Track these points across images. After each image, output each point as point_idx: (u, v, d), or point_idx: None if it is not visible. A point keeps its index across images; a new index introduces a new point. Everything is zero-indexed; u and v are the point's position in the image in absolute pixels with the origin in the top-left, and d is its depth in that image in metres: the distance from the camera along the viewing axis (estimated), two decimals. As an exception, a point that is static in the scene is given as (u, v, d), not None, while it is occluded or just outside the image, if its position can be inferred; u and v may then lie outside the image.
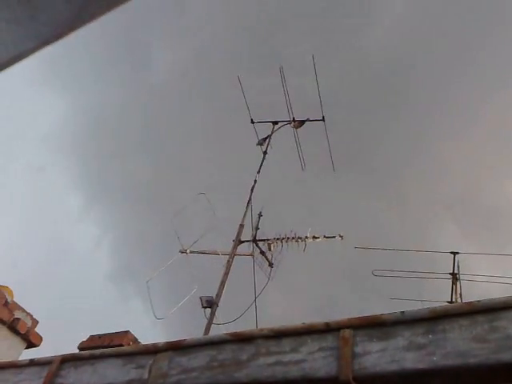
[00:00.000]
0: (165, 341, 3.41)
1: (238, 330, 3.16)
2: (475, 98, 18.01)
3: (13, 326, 8.35)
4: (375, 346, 2.33)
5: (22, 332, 8.47)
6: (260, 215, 9.44)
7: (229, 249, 8.94)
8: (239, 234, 9.15)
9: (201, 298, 7.93)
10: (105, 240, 25.49)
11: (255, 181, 9.70)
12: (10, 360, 5.53)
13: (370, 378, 2.27)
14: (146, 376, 3.24)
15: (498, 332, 2.04)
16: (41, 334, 8.79)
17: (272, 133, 10.34)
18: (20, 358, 7.78)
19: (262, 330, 2.98)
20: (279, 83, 9.92)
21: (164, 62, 21.90)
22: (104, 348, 4.89)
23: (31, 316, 8.71)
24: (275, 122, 10.44)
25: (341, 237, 9.13)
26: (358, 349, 2.38)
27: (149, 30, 20.80)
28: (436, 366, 2.10)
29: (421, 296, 8.55)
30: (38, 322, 8.77)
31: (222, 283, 8.27)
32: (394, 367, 2.21)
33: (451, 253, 9.60)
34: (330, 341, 2.53)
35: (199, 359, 3.04)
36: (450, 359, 2.08)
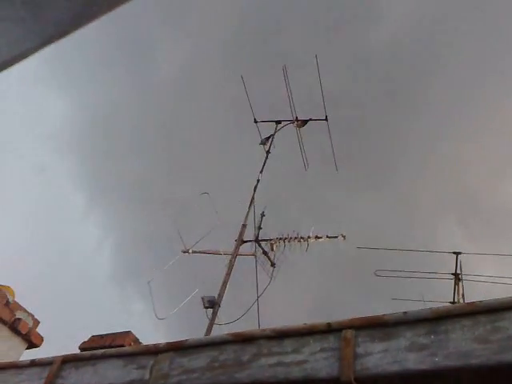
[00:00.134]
0: (166, 341, 3.42)
1: (239, 331, 3.17)
2: (484, 99, 17.98)
3: (14, 327, 8.36)
4: (377, 346, 2.34)
5: (23, 332, 8.48)
6: (263, 215, 9.44)
7: (231, 249, 8.95)
8: (241, 233, 9.15)
9: (203, 299, 7.93)
10: (107, 240, 25.50)
11: (258, 180, 9.71)
12: (11, 360, 5.55)
13: (372, 378, 2.27)
14: (147, 376, 3.25)
15: (501, 332, 2.04)
16: (42, 335, 8.81)
17: (275, 132, 10.34)
18: (21, 359, 7.80)
19: (263, 330, 2.98)
20: (282, 82, 9.93)
21: (166, 61, 21.91)
22: (105, 348, 4.90)
23: (32, 316, 8.72)
24: (278, 122, 10.43)
25: (343, 237, 9.12)
26: (360, 349, 2.38)
27: (151, 29, 20.83)
28: (438, 366, 2.11)
29: (423, 296, 8.55)
30: (39, 322, 8.78)
31: (224, 283, 8.27)
32: (395, 368, 2.21)
33: (454, 253, 9.60)
34: (331, 341, 2.53)
35: (200, 360, 3.05)
36: (452, 360, 2.09)
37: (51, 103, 23.46)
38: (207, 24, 19.95)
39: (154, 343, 3.51)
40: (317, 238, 9.13)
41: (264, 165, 10.00)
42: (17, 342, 8.49)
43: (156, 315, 8.09)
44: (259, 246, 9.21)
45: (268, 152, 10.20)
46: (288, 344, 2.72)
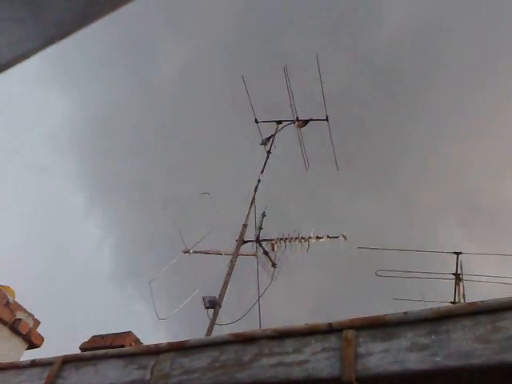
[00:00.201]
0: (167, 341, 3.43)
1: (240, 331, 3.18)
2: (485, 100, 18.00)
3: (14, 327, 8.37)
4: (378, 346, 2.35)
5: (24, 333, 8.49)
6: (263, 215, 9.46)
7: (232, 249, 8.96)
8: (242, 233, 9.16)
9: (203, 299, 7.95)
10: (107, 240, 25.52)
11: (259, 180, 9.73)
12: (11, 361, 5.55)
13: (373, 378, 2.28)
14: (147, 377, 3.26)
15: (501, 332, 2.05)
16: (42, 335, 8.82)
17: (276, 132, 10.37)
18: (21, 359, 7.81)
19: (264, 330, 2.99)
20: (283, 83, 9.94)
21: (167, 61, 21.94)
22: (106, 348, 4.90)
23: (33, 316, 8.73)
24: (279, 122, 10.47)
25: (344, 237, 9.14)
26: (361, 349, 2.39)
27: (151, 29, 20.85)
28: (439, 366, 2.12)
29: (424, 296, 8.58)
30: (39, 322, 8.79)
31: (225, 283, 8.29)
32: (396, 368, 2.22)
33: (454, 253, 9.66)
34: (332, 341, 2.54)
35: (201, 360, 3.06)
36: (453, 360, 2.10)
37: (52, 103, 23.50)
38: (208, 24, 19.97)
39: (155, 343, 3.52)
40: (318, 238, 9.15)
41: (265, 165, 10.03)
42: (17, 343, 8.50)
43: (157, 315, 8.11)
44: (260, 246, 9.23)
45: (269, 152, 10.23)
46: (289, 344, 2.73)
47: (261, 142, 10.39)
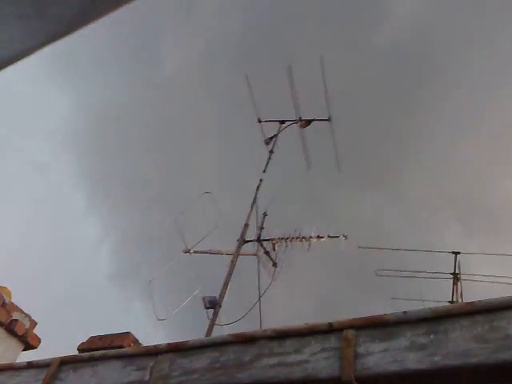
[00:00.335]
0: (166, 342, 3.45)
1: (241, 331, 3.21)
2: (483, 98, 18.07)
3: (10, 328, 8.40)
4: (377, 346, 2.39)
5: (20, 334, 8.52)
6: (265, 215, 9.49)
7: (233, 249, 8.99)
8: (243, 233, 9.19)
9: (203, 299, 7.98)
10: (107, 240, 25.57)
11: (261, 180, 9.78)
12: (7, 362, 5.59)
13: (373, 378, 2.32)
14: (146, 378, 3.29)
15: (499, 332, 2.09)
16: (40, 336, 8.85)
17: (279, 132, 10.43)
18: (17, 361, 7.84)
19: (265, 330, 3.02)
20: (287, 82, 9.99)
21: (172, 60, 21.98)
22: (104, 349, 4.93)
23: (30, 317, 8.76)
24: (282, 122, 10.54)
25: (345, 236, 9.20)
26: (361, 349, 2.43)
27: (157, 28, 20.87)
28: (437, 366, 2.16)
29: (422, 296, 8.72)
30: (36, 323, 8.83)
31: (226, 283, 8.32)
32: (395, 367, 2.27)
33: (452, 253, 9.82)
34: (332, 341, 2.58)
35: (201, 361, 3.09)
36: (451, 359, 2.14)
37: (53, 101, 23.56)
38: (212, 24, 20.02)
39: (155, 344, 3.55)
40: (318, 237, 9.21)
41: (267, 164, 10.08)
42: (13, 344, 8.54)
43: (156, 316, 8.14)
44: (261, 245, 9.27)
45: (271, 152, 10.28)
46: (289, 344, 2.76)
47: (264, 141, 10.45)
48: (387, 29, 20.36)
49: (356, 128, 15.50)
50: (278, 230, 9.29)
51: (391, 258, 9.66)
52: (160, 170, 20.27)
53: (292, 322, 2.94)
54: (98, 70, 21.73)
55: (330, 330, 2.64)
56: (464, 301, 9.11)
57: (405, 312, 2.43)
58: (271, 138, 10.37)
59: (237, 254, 8.87)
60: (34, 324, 8.77)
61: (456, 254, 9.80)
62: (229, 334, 3.23)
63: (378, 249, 9.84)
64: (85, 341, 8.00)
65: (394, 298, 9.35)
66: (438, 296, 9.26)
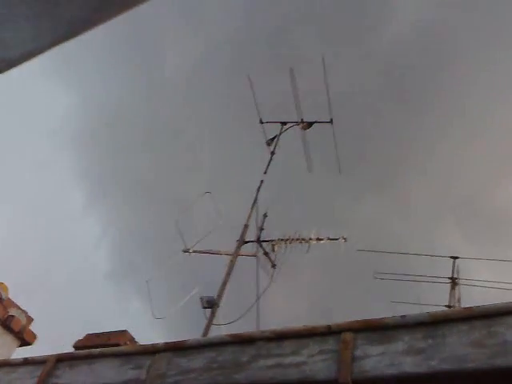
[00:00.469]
0: (163, 341, 3.48)
1: (239, 332, 3.23)
2: (485, 103, 18.10)
3: (6, 324, 8.44)
4: (375, 349, 2.42)
5: (16, 330, 8.56)
6: (265, 216, 9.51)
7: (233, 249, 9.00)
8: (243, 234, 9.21)
9: (201, 298, 8.00)
10: (105, 239, 25.59)
11: (262, 181, 9.80)
12: (3, 358, 5.61)
13: (370, 381, 2.35)
14: (143, 376, 3.31)
15: (496, 337, 2.12)
16: (37, 332, 8.89)
17: (280, 133, 10.46)
18: (13, 357, 7.88)
19: (263, 332, 3.05)
20: (289, 84, 10.01)
21: (173, 61, 22.01)
22: (100, 347, 4.95)
23: (26, 313, 8.80)
24: (284, 123, 10.57)
25: (344, 239, 9.23)
26: (359, 352, 2.46)
27: (159, 28, 20.89)
28: (434, 370, 2.19)
29: (421, 299, 8.78)
30: (32, 319, 8.87)
31: (224, 284, 8.34)
32: (392, 371, 2.30)
33: (451, 257, 9.92)
34: (330, 344, 2.61)
35: (198, 360, 3.11)
36: (448, 364, 2.17)
37: (54, 100, 23.60)
38: (215, 25, 20.05)
39: (152, 343, 3.57)
40: (318, 239, 9.22)
41: (268, 165, 10.10)
42: (9, 340, 8.58)
43: (153, 314, 8.16)
44: (261, 246, 9.28)
45: (273, 153, 10.30)
46: (287, 346, 2.79)
47: (266, 142, 10.47)
48: (390, 30, 20.40)
49: (358, 130, 15.53)
50: (278, 231, 9.32)
51: (390, 261, 9.73)
52: (160, 171, 20.30)
53: (290, 324, 2.97)
54: (98, 70, 21.77)
55: (329, 332, 2.67)
56: (462, 305, 9.19)
57: (403, 316, 2.46)
58: (273, 139, 10.39)
59: (236, 254, 8.89)
60: (30, 320, 8.81)
61: (454, 258, 9.90)
62: (227, 335, 3.25)
63: (377, 252, 9.90)
64: (82, 338, 8.03)
65: (392, 302, 9.39)
66: (437, 300, 9.36)
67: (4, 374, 4.15)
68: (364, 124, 16.19)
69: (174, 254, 9.07)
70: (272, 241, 9.30)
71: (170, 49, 22.07)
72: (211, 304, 7.99)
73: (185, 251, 9.15)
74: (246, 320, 8.15)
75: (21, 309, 8.73)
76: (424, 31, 19.50)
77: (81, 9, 0.79)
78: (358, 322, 2.59)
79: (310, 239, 9.19)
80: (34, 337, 8.85)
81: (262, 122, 10.56)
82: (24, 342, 8.69)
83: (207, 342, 3.30)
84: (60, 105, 24.13)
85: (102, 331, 7.94)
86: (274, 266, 9.15)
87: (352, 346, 2.49)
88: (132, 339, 7.66)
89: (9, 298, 8.59)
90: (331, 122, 10.15)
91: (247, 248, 9.27)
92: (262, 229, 9.43)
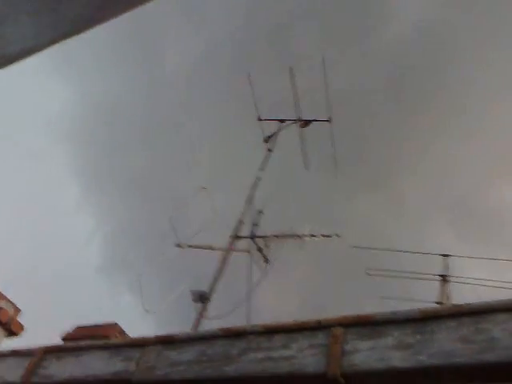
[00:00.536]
0: (154, 334, 3.50)
1: (230, 326, 3.26)
2: (481, 101, 18.20)
3: (-6, 315, 8.43)
4: (365, 344, 2.45)
5: (3, 321, 8.56)
6: (260, 212, 9.54)
7: (226, 244, 9.03)
8: (237, 229, 9.24)
9: (191, 292, 8.03)
10: (98, 233, 25.58)
11: (258, 178, 9.83)
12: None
13: (358, 375, 2.39)
14: (132, 368, 3.33)
15: (483, 334, 2.16)
16: (26, 324, 8.89)
17: (278, 131, 10.49)
18: (0, 348, 7.87)
19: (253, 326, 3.08)
20: (288, 81, 10.04)
21: (174, 59, 22.00)
22: (89, 339, 4.97)
23: (14, 304, 8.80)
24: (282, 121, 10.62)
25: (337, 235, 9.29)
26: (348, 346, 2.49)
27: (159, 25, 20.85)
28: (422, 364, 2.22)
29: (412, 296, 8.93)
30: (20, 310, 8.86)
31: (216, 278, 8.37)
32: (381, 365, 2.33)
33: (442, 255, 10.09)
34: (320, 338, 2.64)
35: (188, 353, 3.14)
36: (437, 358, 2.20)
37: (51, 94, 23.57)
38: (215, 22, 20.05)
39: (142, 336, 3.60)
40: (312, 236, 9.27)
41: (265, 162, 10.14)
42: (-4, 331, 8.57)
43: (144, 308, 8.19)
44: (254, 242, 9.31)
45: (270, 150, 10.34)
46: (277, 340, 2.82)
47: (263, 139, 10.52)
48: (391, 30, 20.45)
49: (354, 129, 15.58)
50: (273, 227, 9.37)
51: (383, 258, 9.89)
52: (156, 166, 20.31)
53: (281, 319, 3.00)
54: (97, 66, 21.74)
55: (319, 327, 2.70)
56: (452, 302, 9.36)
57: (393, 312, 2.49)
58: (270, 136, 10.43)
59: (229, 249, 8.92)
60: (17, 311, 8.81)
61: (445, 256, 10.14)
62: (218, 328, 3.27)
63: (370, 249, 10.06)
64: (71, 330, 8.03)
65: (383, 298, 9.54)
66: (427, 297, 9.54)
67: (-8, 364, 4.17)
68: (361, 123, 16.27)
69: (167, 249, 9.10)
70: (265, 237, 9.34)
71: (170, 47, 22.09)
72: (202, 298, 8.02)
73: (178, 246, 9.18)
74: (237, 316, 8.19)
75: (9, 300, 8.73)
76: (424, 31, 19.57)
77: (84, 7, 0.80)
78: (348, 317, 2.63)
79: (304, 235, 9.23)
80: (22, 328, 8.85)
81: (260, 120, 10.61)
82: (11, 333, 8.68)
83: (197, 336, 3.33)
84: (57, 99, 24.13)
85: (92, 323, 7.96)
86: (266, 261, 9.19)
87: (342, 341, 2.52)
88: (122, 332, 7.67)
89: (-3, 289, 8.59)
90: (330, 120, 10.21)
91: (241, 244, 9.31)
92: (256, 225, 9.47)
